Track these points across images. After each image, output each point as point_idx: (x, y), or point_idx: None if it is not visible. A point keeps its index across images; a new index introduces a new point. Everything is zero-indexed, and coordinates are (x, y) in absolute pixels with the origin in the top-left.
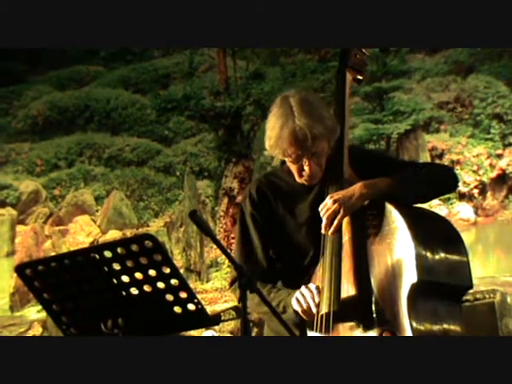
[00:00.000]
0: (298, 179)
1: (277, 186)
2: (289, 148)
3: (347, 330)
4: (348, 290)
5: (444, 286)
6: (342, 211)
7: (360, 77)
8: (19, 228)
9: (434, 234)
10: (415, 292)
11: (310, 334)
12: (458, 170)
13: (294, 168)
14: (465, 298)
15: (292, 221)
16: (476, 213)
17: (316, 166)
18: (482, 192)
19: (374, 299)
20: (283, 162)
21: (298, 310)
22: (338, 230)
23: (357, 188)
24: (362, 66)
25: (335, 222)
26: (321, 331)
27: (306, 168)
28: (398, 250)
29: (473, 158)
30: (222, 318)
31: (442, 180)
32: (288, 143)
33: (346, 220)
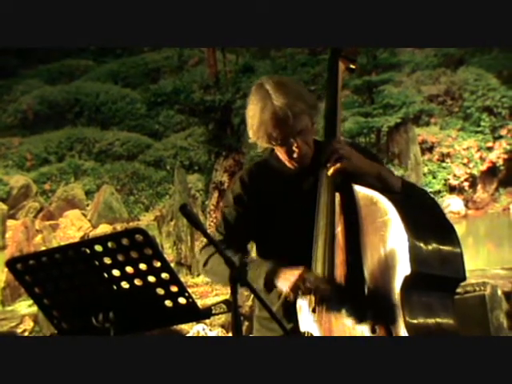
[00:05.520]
0: (288, 164)
1: (268, 173)
2: (273, 131)
3: (339, 321)
4: (341, 281)
5: (437, 277)
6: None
7: (353, 66)
8: (10, 222)
9: (427, 225)
10: (408, 284)
11: (301, 320)
12: (448, 163)
13: (282, 152)
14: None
15: (283, 207)
16: (466, 206)
17: (304, 145)
18: (473, 185)
19: (366, 291)
20: (272, 150)
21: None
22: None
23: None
24: (355, 55)
25: (338, 164)
26: (315, 319)
27: (295, 149)
28: (391, 241)
29: (463, 150)
30: (213, 311)
31: None
32: (271, 126)
33: (338, 211)
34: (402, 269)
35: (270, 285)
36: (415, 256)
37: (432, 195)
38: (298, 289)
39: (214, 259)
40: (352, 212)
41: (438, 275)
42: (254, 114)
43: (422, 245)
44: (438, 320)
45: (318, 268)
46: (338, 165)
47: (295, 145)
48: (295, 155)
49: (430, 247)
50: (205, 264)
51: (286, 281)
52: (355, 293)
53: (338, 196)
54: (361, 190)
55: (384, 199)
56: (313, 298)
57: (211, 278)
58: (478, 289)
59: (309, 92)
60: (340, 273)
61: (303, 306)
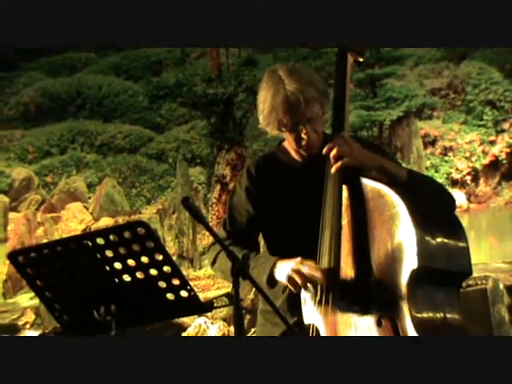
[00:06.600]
0: (295, 155)
1: (275, 165)
2: (284, 117)
3: (345, 314)
4: (346, 273)
5: (444, 272)
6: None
7: (361, 59)
8: (11, 215)
9: (435, 219)
10: (415, 278)
11: (305, 312)
12: (450, 157)
13: (291, 139)
14: None
15: (290, 200)
16: (468, 199)
17: (314, 133)
18: (475, 179)
19: (372, 284)
20: (279, 144)
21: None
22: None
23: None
24: (363, 48)
25: (339, 161)
26: (320, 312)
27: (304, 136)
28: (399, 235)
29: (465, 144)
30: (215, 304)
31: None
32: (282, 111)
33: (345, 203)
34: (409, 263)
35: (272, 280)
36: (423, 250)
37: (442, 186)
38: (294, 281)
39: (221, 257)
40: (359, 204)
41: (444, 270)
42: (265, 98)
43: (429, 239)
44: (444, 314)
45: (324, 260)
46: (339, 163)
47: (304, 131)
48: (303, 143)
49: (437, 241)
50: (213, 263)
51: (282, 274)
52: (361, 285)
53: (345, 188)
54: (369, 183)
55: (392, 192)
56: (318, 291)
57: (220, 277)
58: (479, 282)
59: (321, 80)
60: (346, 265)
61: (308, 298)
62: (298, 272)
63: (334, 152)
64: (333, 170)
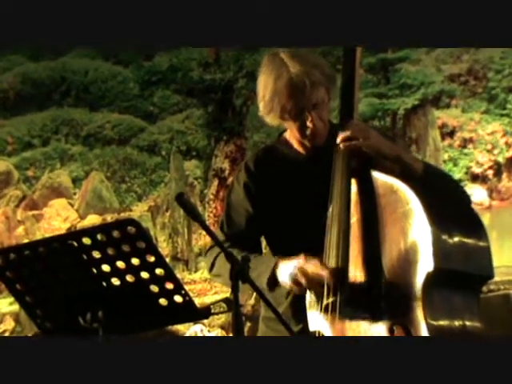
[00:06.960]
0: (298, 147)
1: (276, 159)
2: (287, 102)
3: (354, 321)
4: (356, 276)
5: (462, 274)
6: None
7: None
8: None
9: (453, 217)
10: (431, 281)
11: (311, 319)
12: (470, 149)
13: (294, 128)
14: None
15: (293, 196)
16: (490, 196)
17: (319, 121)
18: (497, 173)
19: (384, 288)
20: (279, 135)
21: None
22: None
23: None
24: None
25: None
26: (326, 318)
27: (310, 124)
28: (413, 234)
29: (487, 135)
30: (212, 310)
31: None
32: (286, 96)
33: (353, 199)
34: (424, 264)
35: (273, 281)
36: (439, 250)
37: (458, 182)
38: (298, 281)
39: (219, 260)
40: (369, 200)
41: (463, 272)
42: (266, 84)
43: (446, 238)
44: (463, 322)
45: (331, 261)
46: (353, 142)
47: (309, 119)
48: (308, 132)
49: (454, 241)
50: (211, 268)
51: (285, 274)
52: (372, 289)
53: (354, 183)
54: (380, 177)
55: (405, 187)
56: (324, 294)
57: (220, 282)
58: (502, 287)
59: (327, 64)
60: (355, 267)
61: (313, 303)
62: (303, 271)
63: (346, 133)
64: (341, 145)
